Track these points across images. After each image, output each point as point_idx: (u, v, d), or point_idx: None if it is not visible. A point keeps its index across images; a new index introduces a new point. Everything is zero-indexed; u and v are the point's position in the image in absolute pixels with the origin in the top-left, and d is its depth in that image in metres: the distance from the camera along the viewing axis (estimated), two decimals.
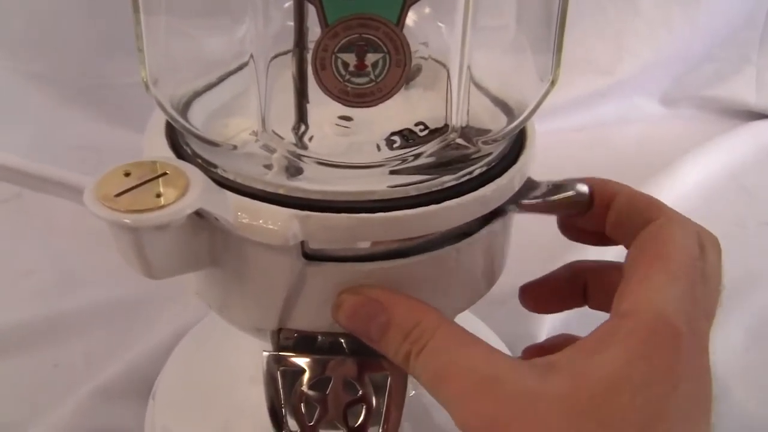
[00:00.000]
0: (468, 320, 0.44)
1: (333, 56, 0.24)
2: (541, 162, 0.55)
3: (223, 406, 0.38)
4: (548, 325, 0.50)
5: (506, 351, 0.44)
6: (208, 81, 0.32)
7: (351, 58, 0.24)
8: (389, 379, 0.30)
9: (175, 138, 0.31)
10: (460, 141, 0.28)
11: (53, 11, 0.66)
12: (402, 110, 0.29)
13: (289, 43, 0.28)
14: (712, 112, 0.80)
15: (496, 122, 0.31)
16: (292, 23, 0.27)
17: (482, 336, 0.43)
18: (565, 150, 0.70)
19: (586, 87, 0.76)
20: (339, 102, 0.25)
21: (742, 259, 0.58)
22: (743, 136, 0.75)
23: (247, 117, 0.28)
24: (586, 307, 0.52)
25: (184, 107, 0.31)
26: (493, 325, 0.47)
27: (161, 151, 0.29)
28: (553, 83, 0.30)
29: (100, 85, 0.68)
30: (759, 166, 0.72)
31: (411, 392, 0.33)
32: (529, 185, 0.32)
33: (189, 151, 0.30)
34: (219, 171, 0.28)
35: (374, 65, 0.25)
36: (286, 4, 0.27)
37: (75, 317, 0.49)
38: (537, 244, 0.52)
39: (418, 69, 0.29)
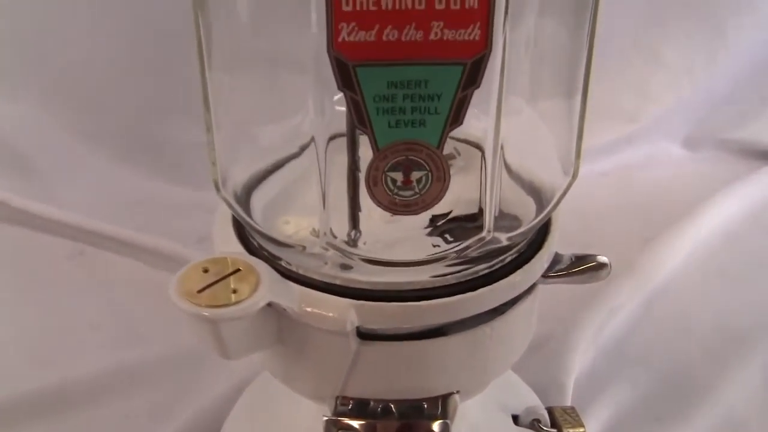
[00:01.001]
0: (504, 374, 0.48)
1: (383, 174, 0.28)
2: (569, 206, 0.59)
3: None
4: (576, 372, 0.53)
5: (536, 398, 0.48)
6: (264, 170, 0.36)
7: (398, 176, 0.29)
8: None
9: (242, 231, 0.35)
10: (493, 238, 0.32)
11: (105, 72, 0.71)
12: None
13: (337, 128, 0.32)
14: (734, 153, 0.83)
15: (525, 208, 0.35)
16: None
17: (514, 386, 0.48)
18: (592, 193, 0.73)
19: (612, 133, 0.80)
20: (388, 211, 0.29)
21: (762, 297, 0.62)
22: (764, 177, 0.78)
23: (306, 214, 0.33)
24: (616, 351, 0.56)
25: (244, 198, 0.35)
26: (526, 374, 0.50)
27: (232, 245, 0.34)
28: (574, 176, 0.34)
29: (152, 144, 0.73)
30: None
31: None
32: (555, 259, 0.36)
33: (255, 244, 0.34)
34: (282, 263, 0.32)
35: (418, 181, 0.29)
36: (336, 97, 0.31)
37: (140, 370, 0.53)
38: (563, 291, 0.56)
39: (455, 154, 0.33)
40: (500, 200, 0.33)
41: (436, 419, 0.34)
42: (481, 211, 0.33)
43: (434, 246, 0.32)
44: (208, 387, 0.51)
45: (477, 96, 0.31)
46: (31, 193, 0.69)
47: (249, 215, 0.34)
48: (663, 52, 0.80)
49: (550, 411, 0.46)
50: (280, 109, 0.34)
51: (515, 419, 0.45)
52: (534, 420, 0.45)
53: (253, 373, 0.49)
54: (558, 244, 0.36)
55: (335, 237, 0.32)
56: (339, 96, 0.30)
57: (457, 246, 0.31)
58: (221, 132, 0.33)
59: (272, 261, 0.32)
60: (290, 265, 0.32)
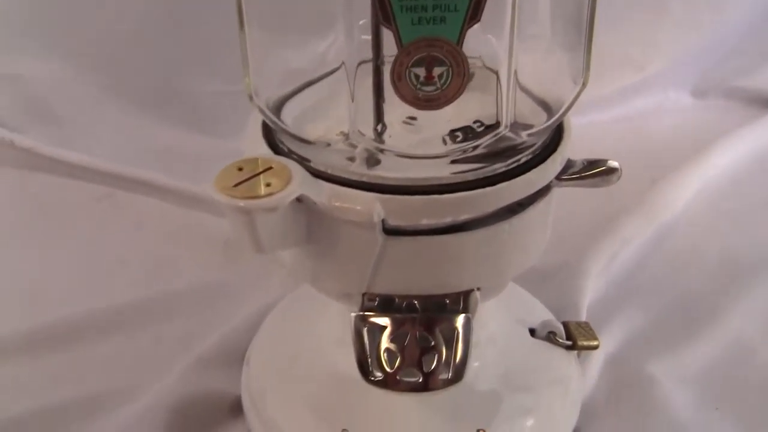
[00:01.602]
0: (521, 294, 0.51)
1: (407, 70, 0.31)
2: (579, 152, 0.61)
3: (312, 367, 0.44)
4: (589, 297, 0.55)
5: (551, 315, 0.50)
6: (294, 87, 0.39)
7: (421, 71, 0.31)
8: (456, 332, 0.36)
9: (271, 138, 0.37)
10: (509, 134, 0.34)
11: (130, 29, 0.73)
12: (459, 111, 0.35)
13: (363, 54, 0.34)
14: (739, 101, 0.85)
15: (537, 118, 0.37)
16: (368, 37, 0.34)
17: (531, 304, 0.50)
18: (601, 140, 0.75)
19: (621, 82, 0.81)
20: (412, 106, 0.32)
21: (765, 234, 0.64)
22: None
23: (334, 118, 0.35)
24: (628, 279, 0.58)
25: (276, 111, 0.37)
26: (541, 297, 0.52)
27: (262, 150, 0.36)
28: (584, 84, 0.36)
29: (175, 96, 0.75)
30: None
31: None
32: (568, 164, 0.38)
33: (285, 149, 0.36)
34: (312, 164, 0.35)
35: (440, 76, 0.31)
36: (361, 22, 0.33)
37: (169, 300, 0.55)
38: (577, 225, 0.58)
39: (472, 75, 0.35)
40: (516, 113, 0.36)
41: (459, 314, 0.37)
42: (498, 123, 0.35)
43: (455, 142, 0.34)
44: (235, 313, 0.53)
45: (491, 20, 0.34)
46: (61, 142, 0.71)
47: (280, 119, 0.36)
48: (669, 3, 0.81)
49: (566, 325, 0.48)
50: (309, 32, 0.36)
51: (532, 332, 0.47)
52: (550, 332, 0.47)
53: (277, 299, 0.51)
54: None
55: (364, 135, 0.34)
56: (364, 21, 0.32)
57: (475, 141, 0.33)
58: (254, 51, 0.36)
59: (302, 163, 0.34)
60: (318, 165, 0.34)
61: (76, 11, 0.72)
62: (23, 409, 0.46)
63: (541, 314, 0.50)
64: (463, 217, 0.34)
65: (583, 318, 0.52)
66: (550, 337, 0.47)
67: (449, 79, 0.31)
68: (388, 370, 0.36)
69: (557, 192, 0.38)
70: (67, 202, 0.66)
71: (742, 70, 0.85)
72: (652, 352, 0.51)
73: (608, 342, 0.52)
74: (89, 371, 0.50)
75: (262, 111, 0.35)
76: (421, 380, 0.36)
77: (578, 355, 0.49)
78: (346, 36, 0.32)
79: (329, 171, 0.34)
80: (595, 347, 0.48)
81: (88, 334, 0.52)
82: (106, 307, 0.54)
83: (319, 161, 0.34)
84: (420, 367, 0.36)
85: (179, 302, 0.55)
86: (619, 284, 0.58)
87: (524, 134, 0.34)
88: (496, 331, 0.45)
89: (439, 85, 0.31)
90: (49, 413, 0.46)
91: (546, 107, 0.38)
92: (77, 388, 0.48)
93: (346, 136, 0.34)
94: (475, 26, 0.32)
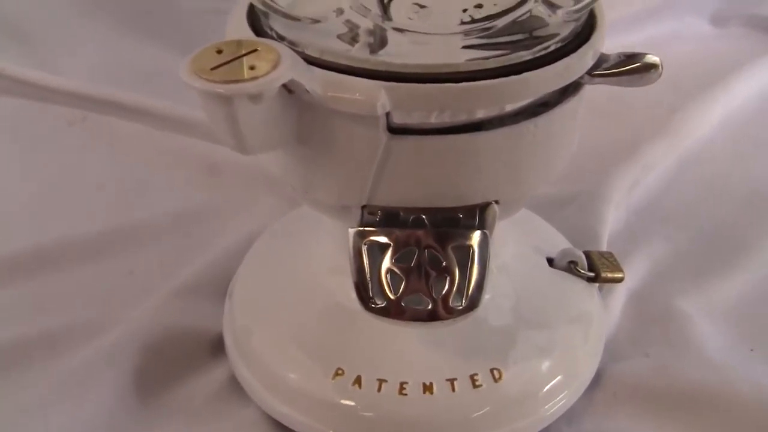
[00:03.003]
0: (536, 221, 0.46)
1: None
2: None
3: (302, 299, 0.39)
4: (610, 225, 0.50)
5: (570, 245, 0.45)
6: None
7: None
8: (472, 251, 0.31)
9: (257, 24, 0.31)
10: (540, 10, 0.28)
11: None
12: None
13: None
14: (761, 30, 0.79)
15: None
16: None
17: (548, 232, 0.45)
18: None
19: (640, 5, 0.76)
20: None
21: None
22: None
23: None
24: (651, 208, 0.53)
25: None
26: (558, 224, 0.47)
27: (246, 35, 0.30)
28: None
29: (154, 12, 0.69)
30: None
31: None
32: (601, 59, 0.32)
33: (274, 35, 0.30)
34: (305, 50, 0.29)
35: None
36: None
37: (146, 227, 0.51)
38: (595, 152, 0.53)
39: None
40: None
41: (474, 230, 0.31)
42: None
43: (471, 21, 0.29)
44: (217, 241, 0.49)
45: None
46: (34, 64, 0.65)
47: None
48: None
49: (588, 254, 0.43)
50: None
51: (550, 262, 0.42)
52: (570, 262, 0.42)
53: (262, 226, 0.47)
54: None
55: (369, 10, 0.28)
56: None
57: (497, 18, 0.28)
58: None
59: (294, 49, 0.29)
60: (313, 50, 0.29)
61: None
62: None
63: (559, 243, 0.45)
64: (481, 112, 0.29)
65: (605, 246, 0.47)
66: (571, 268, 0.42)
67: None
68: (390, 295, 0.31)
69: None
70: (39, 127, 0.61)
71: None
72: (679, 286, 0.47)
73: (631, 275, 0.47)
74: (57, 302, 0.45)
75: None
76: (429, 307, 0.31)
77: (600, 289, 0.44)
78: None
79: (324, 57, 0.29)
80: (620, 279, 0.43)
81: (59, 263, 0.48)
82: (77, 234, 0.50)
83: (314, 46, 0.29)
84: (428, 292, 0.31)
85: (157, 229, 0.50)
86: (641, 213, 0.53)
87: (559, 12, 0.28)
88: (510, 259, 0.40)
89: None
90: (10, 346, 0.42)
91: None
92: (43, 319, 0.44)
93: (344, 12, 0.28)
94: None
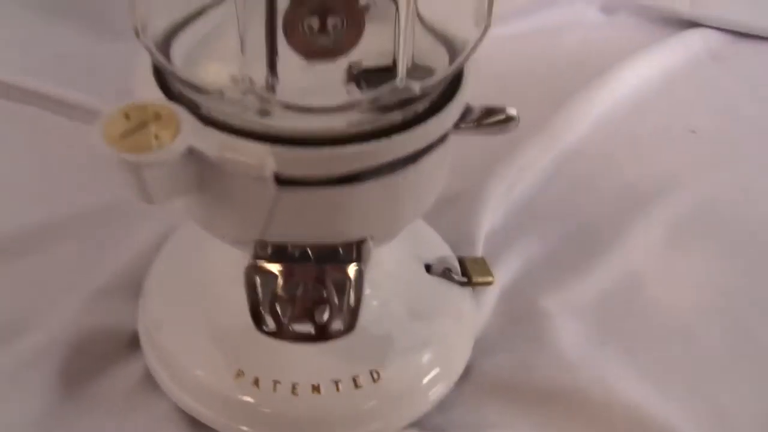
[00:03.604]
0: (419, 227, 0.51)
1: (300, 20, 0.29)
2: (486, 68, 0.60)
3: (209, 302, 0.44)
4: (487, 226, 0.55)
5: (448, 249, 0.50)
6: (183, 17, 0.36)
7: (315, 21, 0.29)
8: (348, 282, 0.36)
9: (162, 78, 0.35)
10: (405, 85, 0.33)
11: None
12: (358, 52, 0.34)
13: None
14: (649, 20, 0.85)
15: (439, 60, 0.36)
16: None
17: (427, 237, 0.50)
18: (506, 56, 0.74)
19: None
20: (305, 57, 0.30)
21: (666, 163, 0.65)
22: (675, 45, 0.80)
23: (226, 61, 0.33)
24: (526, 208, 0.58)
25: (164, 45, 0.35)
26: (440, 227, 0.52)
27: (153, 91, 0.34)
28: (486, 29, 0.35)
29: None
30: (688, 75, 0.77)
31: (367, 290, 0.39)
32: (466, 110, 0.37)
33: (176, 91, 0.34)
34: (203, 110, 0.33)
35: (334, 27, 0.30)
36: None
37: (63, 225, 0.53)
38: (479, 149, 0.58)
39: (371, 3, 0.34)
40: (414, 52, 0.35)
41: (351, 263, 0.36)
42: (395, 62, 0.34)
43: (349, 93, 0.33)
44: (133, 238, 0.52)
45: None
46: None
47: (169, 62, 0.34)
48: None
49: (461, 261, 0.49)
50: None
51: (428, 268, 0.48)
52: (446, 269, 0.47)
53: (178, 222, 0.50)
54: (471, 98, 0.38)
55: (254, 83, 0.32)
56: None
57: (370, 93, 0.32)
58: None
59: (193, 107, 0.33)
60: (210, 111, 0.33)
61: None
62: None
63: (438, 248, 0.50)
64: (358, 168, 0.34)
65: (480, 251, 0.53)
66: (446, 274, 0.47)
67: (344, 29, 0.30)
68: (280, 321, 0.36)
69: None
70: None
71: None
72: (545, 285, 0.52)
73: (504, 275, 0.53)
74: None
75: (150, 51, 0.33)
76: (313, 331, 0.36)
77: (473, 290, 0.49)
78: None
79: (221, 118, 0.33)
80: (490, 283, 0.49)
81: None
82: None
83: (211, 108, 0.33)
84: (312, 317, 0.36)
85: (73, 228, 0.53)
86: (517, 213, 0.58)
87: (418, 87, 0.33)
88: (392, 267, 0.45)
89: (333, 36, 0.30)
90: None
91: (449, 47, 0.37)
92: None
93: (237, 81, 0.32)
94: None
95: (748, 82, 0.78)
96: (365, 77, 0.34)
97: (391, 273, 0.45)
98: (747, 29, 0.84)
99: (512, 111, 0.37)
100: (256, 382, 0.41)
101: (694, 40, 0.82)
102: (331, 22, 0.29)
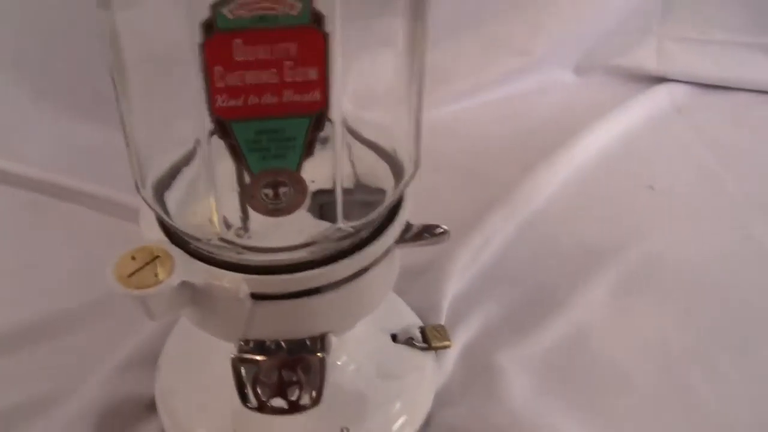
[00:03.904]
0: (389, 299, 0.60)
1: (258, 192, 0.39)
2: (466, 133, 0.69)
3: (210, 373, 0.54)
4: (453, 293, 0.64)
5: (415, 318, 0.60)
6: (170, 168, 0.46)
7: (270, 191, 0.39)
8: (314, 368, 0.46)
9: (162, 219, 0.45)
10: (344, 228, 0.42)
11: (50, 32, 0.79)
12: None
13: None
14: (620, 78, 0.93)
15: (383, 180, 0.46)
16: None
17: (397, 308, 0.59)
18: (483, 122, 0.84)
19: (507, 66, 0.89)
20: (265, 215, 0.40)
21: (622, 220, 0.72)
22: (641, 101, 0.88)
23: (208, 207, 0.43)
24: (489, 273, 0.67)
25: (161, 193, 0.45)
26: (409, 296, 0.62)
27: (154, 232, 0.44)
28: (415, 169, 0.45)
29: (97, 97, 0.80)
30: (651, 130, 0.85)
31: (343, 358, 0.50)
32: (406, 228, 0.47)
33: (172, 230, 0.44)
34: (191, 247, 0.43)
35: (284, 194, 0.39)
36: None
37: (93, 307, 0.62)
38: (450, 218, 0.66)
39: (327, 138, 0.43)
40: (361, 170, 0.44)
41: (316, 353, 0.46)
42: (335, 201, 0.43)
43: (301, 231, 0.42)
44: (149, 322, 0.60)
45: None
46: None
47: (164, 208, 0.44)
48: None
49: (423, 330, 0.58)
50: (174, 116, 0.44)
51: (394, 337, 0.57)
52: (408, 338, 0.57)
53: None
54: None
55: (229, 226, 0.42)
56: None
57: (319, 233, 0.42)
58: (134, 144, 0.43)
59: (184, 244, 0.43)
60: (198, 248, 0.43)
61: None
62: None
63: (405, 318, 0.60)
64: (317, 284, 0.43)
65: (443, 317, 0.62)
66: (409, 341, 0.57)
67: (292, 195, 0.39)
68: (261, 399, 0.46)
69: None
70: None
71: (621, 49, 0.93)
72: (501, 343, 0.60)
73: (465, 334, 0.61)
74: (10, 381, 0.56)
75: (147, 203, 0.43)
76: (287, 406, 0.46)
77: (435, 352, 0.58)
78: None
79: (206, 252, 0.43)
80: (448, 347, 0.58)
81: (8, 344, 0.59)
82: (31, 316, 0.61)
83: (197, 246, 0.43)
84: (285, 395, 0.46)
85: (100, 310, 0.61)
86: (481, 278, 0.67)
87: (352, 227, 0.42)
88: (363, 338, 0.55)
89: (283, 201, 0.39)
90: None
91: (393, 165, 0.47)
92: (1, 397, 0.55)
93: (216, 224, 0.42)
94: None
95: (709, 133, 0.86)
96: (326, 202, 0.43)
97: (362, 342, 0.55)
98: (711, 81, 0.91)
99: (442, 228, 0.47)
100: None
101: (660, 95, 0.90)
102: (281, 191, 0.39)
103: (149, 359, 0.58)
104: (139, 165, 0.44)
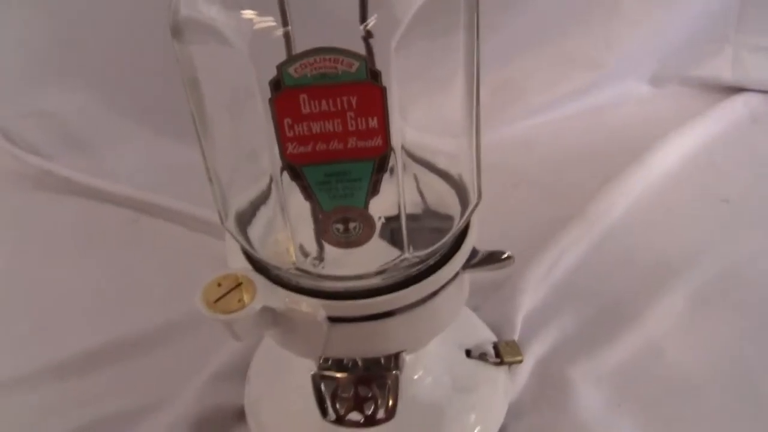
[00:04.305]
0: (464, 315, 0.63)
1: (330, 226, 0.42)
2: (543, 148, 0.70)
3: (296, 384, 0.57)
4: (527, 307, 0.67)
5: (489, 333, 0.62)
6: (251, 202, 0.50)
7: (340, 226, 0.43)
8: (388, 385, 0.49)
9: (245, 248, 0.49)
10: (410, 258, 0.45)
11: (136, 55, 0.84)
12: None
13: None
14: (696, 89, 0.93)
15: (453, 207, 0.49)
16: None
17: (471, 324, 0.62)
18: (556, 137, 0.85)
19: (582, 79, 0.91)
20: (337, 247, 0.44)
21: (696, 234, 0.73)
22: (718, 112, 0.88)
23: (287, 237, 0.47)
24: (564, 287, 0.69)
25: (244, 224, 0.49)
26: (484, 312, 0.64)
27: (239, 261, 0.48)
28: (478, 201, 0.47)
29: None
30: (726, 142, 0.85)
31: (420, 372, 0.53)
32: (472, 254, 0.49)
33: (255, 258, 0.48)
34: (271, 274, 0.47)
35: (354, 228, 0.43)
36: None
37: (189, 321, 0.67)
38: (526, 232, 0.69)
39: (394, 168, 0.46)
40: (428, 202, 0.47)
41: (390, 371, 0.50)
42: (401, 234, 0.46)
43: (372, 259, 0.45)
44: None
45: None
46: (91, 169, 0.83)
47: (247, 238, 0.48)
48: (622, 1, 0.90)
49: (495, 345, 0.61)
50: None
51: (468, 353, 0.60)
52: (482, 353, 0.60)
53: None
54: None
55: (306, 254, 0.46)
56: None
57: (386, 265, 0.45)
58: (216, 180, 0.47)
59: (266, 271, 0.47)
60: (278, 275, 0.47)
61: (85, 44, 0.83)
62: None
63: (479, 332, 0.62)
64: (389, 308, 0.47)
65: (517, 332, 0.64)
66: (482, 357, 0.59)
67: (361, 229, 0.43)
68: (339, 412, 0.50)
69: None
70: (98, 226, 0.79)
71: (697, 58, 0.93)
72: (574, 357, 0.62)
73: (539, 349, 0.63)
74: (113, 391, 0.61)
75: (232, 235, 0.47)
76: (363, 420, 0.49)
77: (508, 367, 0.61)
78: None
79: (285, 279, 0.46)
80: (520, 362, 0.60)
81: (117, 358, 0.65)
82: (134, 330, 0.66)
83: (278, 273, 0.46)
84: (362, 410, 0.49)
85: (192, 325, 0.65)
86: (555, 292, 0.68)
87: (423, 253, 0.45)
88: (436, 355, 0.58)
89: (354, 234, 0.43)
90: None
91: (462, 196, 0.50)
92: (106, 406, 0.60)
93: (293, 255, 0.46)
94: None
95: None
96: (393, 225, 0.46)
97: (438, 357, 0.58)
98: None
99: (507, 253, 0.49)
100: None
101: (736, 105, 0.89)
102: (351, 225, 0.42)
103: (240, 371, 0.62)
104: (222, 199, 0.48)
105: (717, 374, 0.61)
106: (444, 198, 0.50)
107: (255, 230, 0.49)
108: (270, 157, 0.40)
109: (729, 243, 0.73)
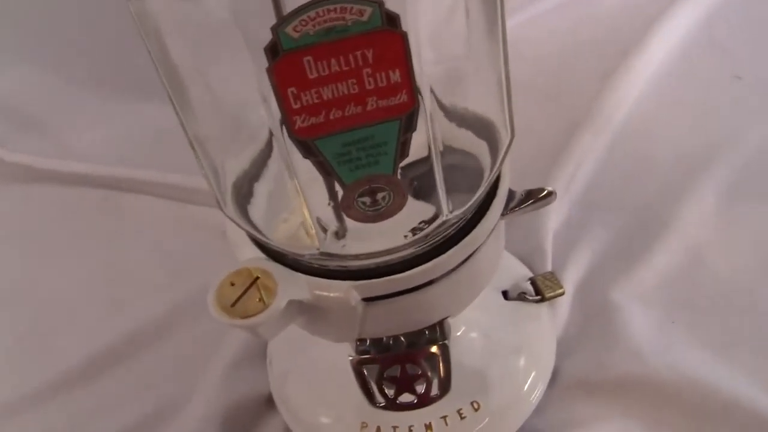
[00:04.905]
0: None
1: (354, 201, 0.36)
2: (531, 53, 0.63)
3: (324, 360, 0.52)
4: (553, 230, 0.61)
5: (523, 269, 0.57)
6: (248, 170, 0.43)
7: (366, 200, 0.36)
8: (437, 357, 0.44)
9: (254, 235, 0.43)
10: (449, 219, 0.39)
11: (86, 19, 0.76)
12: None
13: None
14: None
15: (482, 148, 0.42)
16: None
17: (504, 264, 0.56)
18: (547, 34, 0.79)
19: None
20: (363, 222, 0.37)
21: (713, 119, 0.68)
22: None
23: (298, 211, 0.40)
24: (586, 200, 0.64)
25: (244, 204, 0.42)
26: (511, 246, 0.58)
27: (248, 250, 0.42)
28: (511, 139, 0.41)
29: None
30: (728, 19, 0.79)
31: (462, 328, 0.49)
32: (508, 198, 0.43)
33: (265, 244, 0.42)
34: (290, 258, 0.41)
35: (383, 198, 0.36)
36: None
37: (194, 301, 0.61)
38: (535, 148, 0.63)
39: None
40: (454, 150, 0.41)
41: (436, 342, 0.44)
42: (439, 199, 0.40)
43: (401, 224, 0.39)
44: None
45: None
46: (46, 151, 0.75)
47: (251, 222, 0.41)
48: None
49: (533, 281, 0.55)
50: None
51: (505, 294, 0.55)
52: (520, 293, 0.54)
53: None
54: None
55: (325, 230, 0.40)
56: None
57: (421, 233, 0.39)
58: (206, 156, 0.40)
59: (282, 256, 0.40)
60: (298, 259, 0.40)
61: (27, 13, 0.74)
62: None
63: (512, 270, 0.57)
64: (427, 279, 0.41)
65: (550, 260, 0.59)
66: (521, 296, 0.54)
67: (391, 199, 0.36)
68: (388, 396, 0.44)
69: None
70: (68, 211, 0.71)
71: None
72: (614, 276, 0.57)
73: (575, 273, 0.58)
74: (127, 396, 0.57)
75: (234, 221, 0.41)
76: (416, 401, 0.44)
77: (549, 302, 0.56)
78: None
79: (306, 263, 0.40)
80: (562, 294, 0.55)
81: (126, 352, 0.60)
82: (135, 325, 0.60)
83: (295, 258, 0.40)
84: (413, 390, 0.44)
85: (193, 311, 0.60)
86: (579, 208, 0.63)
87: (460, 212, 0.39)
88: (476, 303, 0.52)
89: (383, 205, 0.36)
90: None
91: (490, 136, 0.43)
92: (126, 415, 0.56)
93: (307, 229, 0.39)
94: None
95: None
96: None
97: (476, 308, 0.52)
98: None
99: (548, 189, 0.43)
100: (378, 429, 0.49)
101: None
102: (379, 196, 0.36)
103: (258, 354, 0.57)
104: (215, 178, 0.41)
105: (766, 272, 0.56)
106: (470, 140, 0.43)
107: (256, 211, 0.42)
108: (266, 111, 0.34)
109: (748, 124, 0.67)
